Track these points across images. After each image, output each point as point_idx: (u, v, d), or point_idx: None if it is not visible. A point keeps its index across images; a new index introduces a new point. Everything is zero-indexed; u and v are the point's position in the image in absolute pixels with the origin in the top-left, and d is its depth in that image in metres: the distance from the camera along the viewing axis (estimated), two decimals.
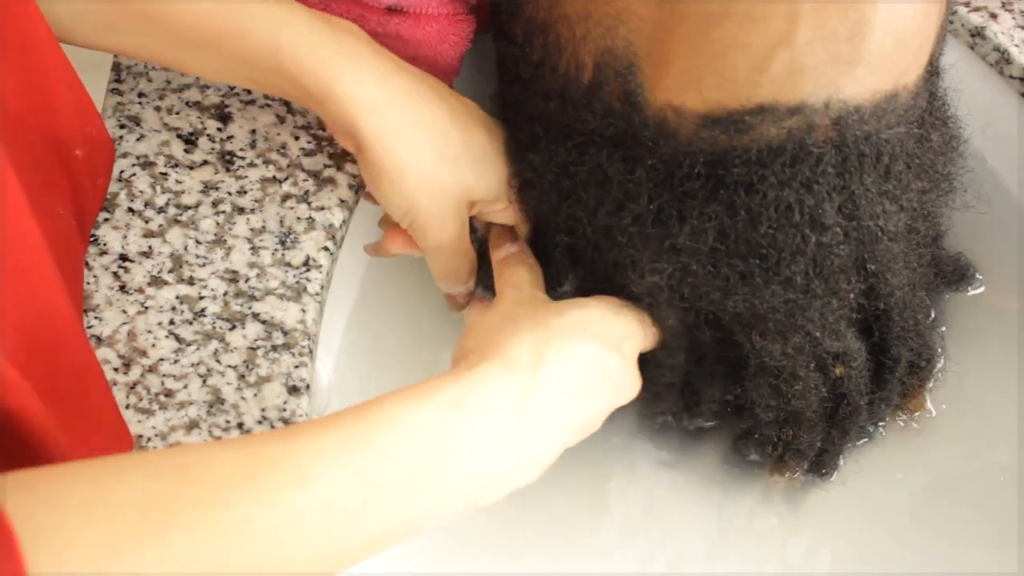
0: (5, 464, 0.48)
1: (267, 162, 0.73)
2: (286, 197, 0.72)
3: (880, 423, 0.75)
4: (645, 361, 0.68)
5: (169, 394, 0.65)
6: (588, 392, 0.61)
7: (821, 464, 0.74)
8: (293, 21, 0.64)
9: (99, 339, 0.66)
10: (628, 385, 0.64)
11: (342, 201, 0.72)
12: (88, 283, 0.68)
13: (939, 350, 0.76)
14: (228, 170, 0.72)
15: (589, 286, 0.69)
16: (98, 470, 0.46)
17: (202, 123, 0.74)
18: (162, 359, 0.66)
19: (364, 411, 0.53)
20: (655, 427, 0.76)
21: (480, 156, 0.69)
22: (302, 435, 0.50)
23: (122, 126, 0.73)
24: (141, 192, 0.71)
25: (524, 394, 0.57)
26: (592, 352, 0.61)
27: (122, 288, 0.68)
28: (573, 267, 0.70)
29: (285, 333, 0.68)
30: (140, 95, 0.74)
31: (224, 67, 0.65)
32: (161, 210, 0.71)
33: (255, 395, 0.66)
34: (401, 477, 0.52)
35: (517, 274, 0.69)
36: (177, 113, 0.74)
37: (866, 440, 0.75)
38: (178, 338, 0.67)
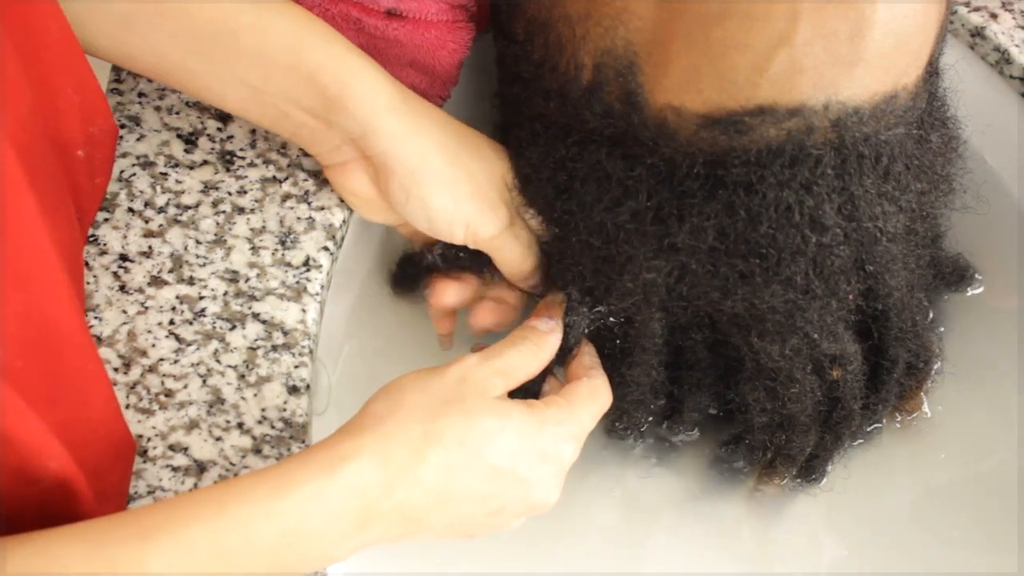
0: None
1: (267, 162, 0.73)
2: (286, 197, 0.72)
3: (877, 424, 0.75)
4: (618, 377, 0.67)
5: (169, 394, 0.65)
6: (471, 504, 0.59)
7: (811, 470, 0.73)
8: (313, 20, 0.65)
9: (99, 339, 0.66)
10: (536, 503, 0.62)
11: (342, 201, 0.72)
12: (88, 283, 0.68)
13: (937, 351, 0.76)
14: (228, 170, 0.72)
15: (581, 283, 0.68)
16: None
17: (202, 123, 0.74)
18: (162, 359, 0.66)
19: (222, 509, 0.53)
20: (627, 443, 0.75)
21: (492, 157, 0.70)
22: (153, 540, 0.51)
23: (122, 126, 0.73)
24: (141, 192, 0.71)
25: (388, 489, 0.56)
26: (485, 468, 0.59)
27: (122, 288, 0.68)
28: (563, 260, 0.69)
29: (285, 333, 0.68)
30: (140, 95, 0.74)
31: (234, 70, 0.64)
32: (161, 210, 0.71)
33: (255, 395, 0.66)
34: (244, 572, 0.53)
35: (506, 359, 0.63)
36: (177, 113, 0.74)
37: (862, 441, 0.75)
38: (178, 338, 0.67)
